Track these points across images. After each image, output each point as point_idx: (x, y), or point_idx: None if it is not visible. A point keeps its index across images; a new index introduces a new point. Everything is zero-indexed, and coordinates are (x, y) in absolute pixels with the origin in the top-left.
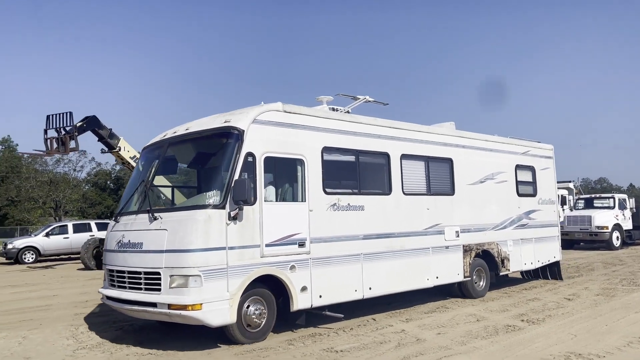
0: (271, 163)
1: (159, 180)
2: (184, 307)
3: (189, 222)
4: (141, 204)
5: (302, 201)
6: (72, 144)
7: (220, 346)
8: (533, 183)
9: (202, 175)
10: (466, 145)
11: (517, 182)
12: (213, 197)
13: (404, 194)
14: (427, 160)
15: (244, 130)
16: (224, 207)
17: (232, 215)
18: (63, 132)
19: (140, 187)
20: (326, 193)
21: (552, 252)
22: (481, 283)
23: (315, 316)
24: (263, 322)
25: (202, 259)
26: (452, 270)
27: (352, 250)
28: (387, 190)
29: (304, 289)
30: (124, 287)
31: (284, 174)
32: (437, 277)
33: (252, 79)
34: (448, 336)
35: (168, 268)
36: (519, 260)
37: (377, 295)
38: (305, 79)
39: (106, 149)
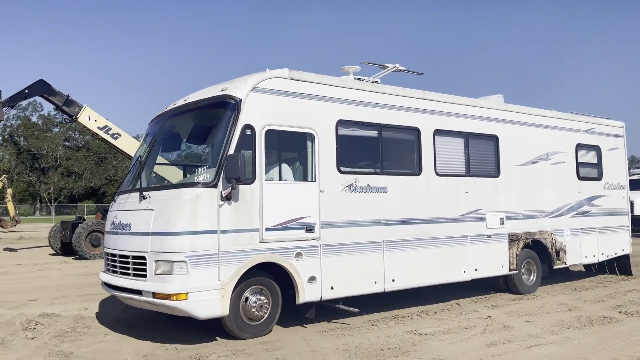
0: (274, 137)
1: (160, 156)
2: (168, 297)
3: (175, 201)
4: (134, 182)
5: (311, 181)
6: None
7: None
8: (598, 165)
9: (196, 150)
10: (515, 120)
11: (578, 164)
12: (204, 174)
13: (437, 174)
14: (467, 136)
15: (241, 100)
16: (215, 186)
17: (224, 195)
18: None
19: (136, 164)
20: (341, 172)
21: (620, 243)
22: (531, 277)
23: (330, 309)
24: (266, 315)
25: (189, 243)
26: (495, 262)
27: (372, 237)
28: (416, 170)
29: (312, 279)
30: (116, 272)
31: (290, 150)
32: (475, 270)
33: (271, 49)
34: (537, 324)
35: (153, 252)
36: (578, 252)
37: (401, 288)
38: (330, 48)
39: (68, 119)
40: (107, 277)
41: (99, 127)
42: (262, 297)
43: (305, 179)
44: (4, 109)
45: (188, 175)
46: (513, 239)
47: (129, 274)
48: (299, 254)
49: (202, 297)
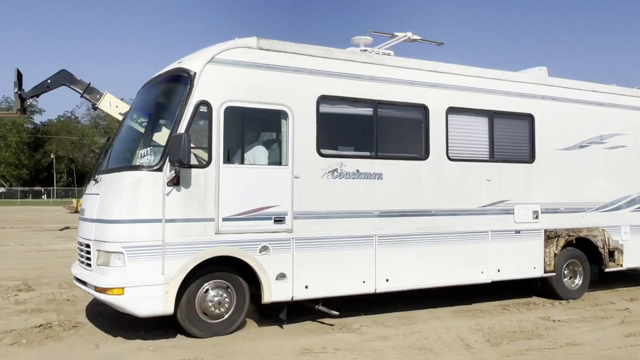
0: (236, 115)
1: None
2: (104, 290)
3: (115, 186)
4: (102, 163)
5: (283, 165)
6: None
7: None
8: None
9: (151, 130)
10: (558, 96)
11: None
12: (148, 156)
13: (450, 159)
14: (492, 115)
15: (195, 73)
16: (160, 170)
17: (169, 180)
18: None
19: (106, 144)
20: (322, 155)
21: None
22: (576, 281)
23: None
24: (229, 313)
25: (127, 233)
26: (525, 262)
27: (361, 230)
28: (422, 154)
29: (281, 276)
30: (82, 262)
31: (258, 130)
32: (498, 271)
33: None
34: None
35: (96, 241)
36: None
37: (397, 289)
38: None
39: (92, 105)
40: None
41: (120, 113)
42: (223, 293)
43: (275, 162)
44: (30, 100)
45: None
46: (551, 236)
47: (83, 263)
48: (264, 248)
49: (142, 292)
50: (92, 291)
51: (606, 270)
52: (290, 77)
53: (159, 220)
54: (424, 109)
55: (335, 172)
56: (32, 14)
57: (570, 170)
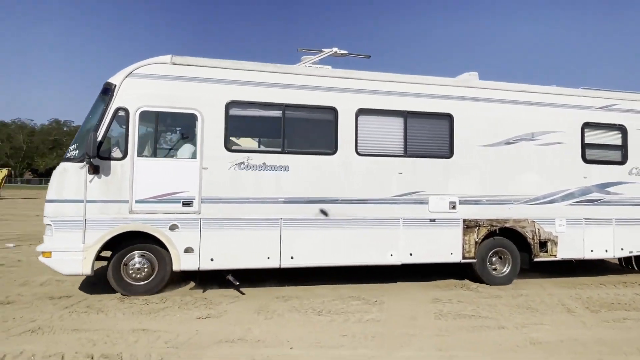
0: (151, 118)
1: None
2: (41, 254)
3: (53, 172)
4: None
5: (192, 158)
6: None
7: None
8: (622, 147)
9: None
10: (480, 97)
11: (584, 145)
12: (74, 151)
13: (359, 154)
14: (406, 115)
15: (115, 85)
16: (82, 161)
17: (90, 169)
18: None
19: None
20: (230, 151)
21: None
22: (504, 269)
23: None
24: (151, 278)
25: (55, 210)
26: (442, 248)
27: (266, 214)
28: (331, 149)
29: (189, 249)
30: None
31: (171, 129)
32: (410, 254)
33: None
34: None
35: (43, 217)
36: (578, 244)
37: (301, 265)
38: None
39: None
40: None
41: None
42: (145, 261)
43: (186, 156)
44: None
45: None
46: (470, 225)
47: None
48: (174, 226)
49: (65, 256)
50: (40, 257)
51: (536, 260)
52: (200, 86)
53: (81, 201)
54: (333, 111)
55: (242, 165)
56: None
57: (494, 165)
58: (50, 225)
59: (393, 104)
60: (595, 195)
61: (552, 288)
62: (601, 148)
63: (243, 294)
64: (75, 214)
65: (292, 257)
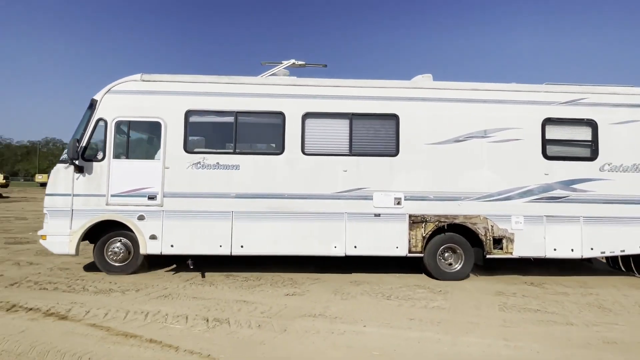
0: (124, 126)
1: None
2: (40, 237)
3: (51, 172)
4: None
5: (157, 159)
6: None
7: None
8: (591, 143)
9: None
10: (428, 97)
11: (546, 141)
12: (65, 154)
13: (305, 154)
14: (351, 117)
15: (97, 100)
16: (72, 163)
17: (76, 169)
18: None
19: None
20: (188, 152)
21: (636, 239)
22: (456, 265)
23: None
24: (128, 260)
25: (50, 202)
26: (386, 242)
27: (219, 207)
28: (279, 150)
29: (153, 237)
30: None
31: (140, 135)
32: (355, 247)
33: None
34: None
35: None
36: (539, 242)
37: (250, 254)
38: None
39: None
40: None
41: None
42: (122, 246)
43: (151, 157)
44: None
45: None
46: (416, 221)
47: None
48: (141, 216)
49: (56, 239)
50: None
51: (489, 256)
52: (164, 98)
53: (70, 195)
54: (282, 115)
55: (198, 164)
56: None
57: (442, 163)
58: (46, 214)
59: (338, 107)
60: (558, 192)
61: (628, 289)
62: (566, 144)
63: (203, 277)
64: (65, 205)
65: (242, 246)
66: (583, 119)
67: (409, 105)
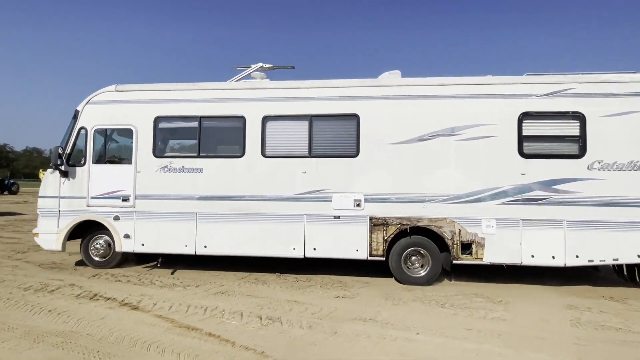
0: (101, 133)
1: None
2: (34, 235)
3: (43, 176)
4: None
5: (129, 163)
6: None
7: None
8: (579, 138)
9: None
10: (391, 95)
11: (523, 138)
12: (53, 160)
13: (265, 156)
14: (311, 119)
15: (79, 111)
16: (57, 168)
17: (62, 173)
18: None
19: None
20: (156, 156)
21: (632, 247)
22: (422, 271)
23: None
24: (108, 256)
25: (41, 203)
26: (346, 244)
27: (184, 208)
28: (239, 153)
29: (127, 236)
30: None
31: (115, 141)
32: (314, 249)
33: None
34: None
35: None
36: (514, 248)
37: (213, 254)
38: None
39: None
40: None
41: None
42: (104, 244)
43: (124, 162)
44: None
45: None
46: (377, 223)
47: None
48: (117, 217)
49: (46, 237)
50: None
51: (457, 262)
52: (135, 106)
53: (57, 197)
54: (242, 119)
55: (166, 168)
56: None
57: (405, 163)
58: (39, 214)
59: (298, 109)
60: (537, 193)
61: None
62: (548, 140)
63: (172, 274)
64: (53, 206)
65: (205, 246)
66: (568, 112)
67: (370, 105)
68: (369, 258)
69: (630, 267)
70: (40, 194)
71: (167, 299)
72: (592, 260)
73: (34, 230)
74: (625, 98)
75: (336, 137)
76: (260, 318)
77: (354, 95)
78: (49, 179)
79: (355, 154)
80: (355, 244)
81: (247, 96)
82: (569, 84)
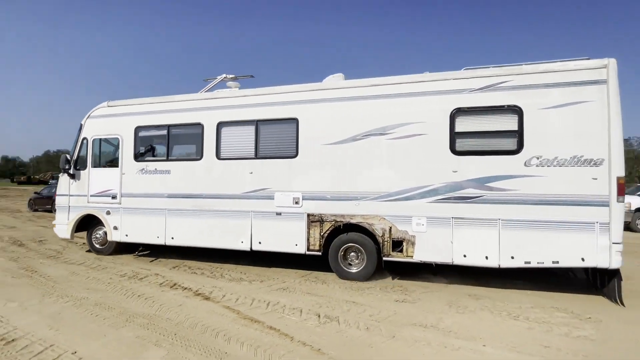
0: (98, 142)
1: None
2: (54, 225)
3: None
4: None
5: (117, 167)
6: None
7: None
8: (516, 133)
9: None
10: (327, 98)
11: (455, 135)
12: (62, 165)
13: (219, 159)
14: (257, 123)
15: (82, 124)
16: (66, 172)
17: (70, 176)
18: None
19: None
20: (136, 160)
21: (578, 248)
22: (359, 267)
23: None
24: (106, 244)
25: (58, 200)
26: (287, 239)
27: (157, 205)
28: (199, 156)
29: (115, 228)
30: None
31: (108, 149)
32: (259, 243)
33: None
34: None
35: None
36: (444, 247)
37: (179, 245)
38: None
39: None
40: None
41: None
42: (101, 233)
43: (114, 165)
44: None
45: None
46: (314, 220)
47: None
48: (108, 212)
49: (60, 227)
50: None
51: (388, 259)
52: (121, 119)
53: (68, 195)
54: (201, 126)
55: (143, 170)
56: None
57: (339, 163)
58: (57, 208)
59: (246, 115)
60: (469, 191)
61: None
62: (482, 136)
63: (151, 261)
64: (65, 203)
65: (172, 238)
66: (503, 106)
67: (308, 108)
68: (307, 252)
69: (595, 271)
70: (57, 193)
71: (235, 292)
72: (529, 262)
73: (53, 222)
74: (569, 88)
75: (279, 139)
76: (319, 316)
77: (294, 100)
78: (63, 180)
79: (295, 154)
80: (294, 238)
81: (205, 105)
82: (505, 76)
